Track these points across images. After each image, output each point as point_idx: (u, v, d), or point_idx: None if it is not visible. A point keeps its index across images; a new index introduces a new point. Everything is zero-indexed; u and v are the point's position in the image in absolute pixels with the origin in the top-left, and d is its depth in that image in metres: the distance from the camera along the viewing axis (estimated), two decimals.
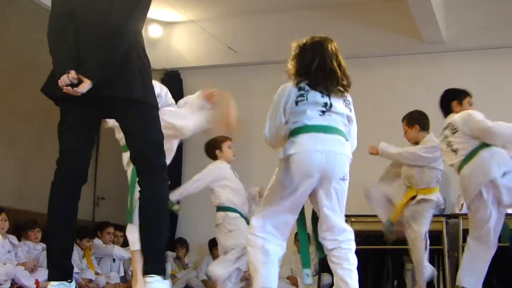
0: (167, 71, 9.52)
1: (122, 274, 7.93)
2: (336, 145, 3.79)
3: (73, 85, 3.25)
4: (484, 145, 5.31)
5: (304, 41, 3.98)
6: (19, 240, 7.01)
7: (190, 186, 6.16)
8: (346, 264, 3.76)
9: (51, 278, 3.31)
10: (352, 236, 3.86)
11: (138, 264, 4.94)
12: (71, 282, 3.32)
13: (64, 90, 3.25)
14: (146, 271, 3.23)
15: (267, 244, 3.92)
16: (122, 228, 8.05)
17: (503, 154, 5.31)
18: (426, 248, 6.08)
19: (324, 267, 7.99)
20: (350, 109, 3.96)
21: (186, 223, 9.12)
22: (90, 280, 7.30)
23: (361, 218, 7.42)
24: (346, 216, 7.30)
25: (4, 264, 6.39)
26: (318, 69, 3.86)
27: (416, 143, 6.30)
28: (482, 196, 5.25)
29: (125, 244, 8.06)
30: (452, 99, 5.77)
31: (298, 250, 8.45)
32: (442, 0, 8.40)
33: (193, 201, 7.45)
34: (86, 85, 3.25)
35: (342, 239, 3.81)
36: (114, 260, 7.95)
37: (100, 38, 3.26)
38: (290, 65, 3.98)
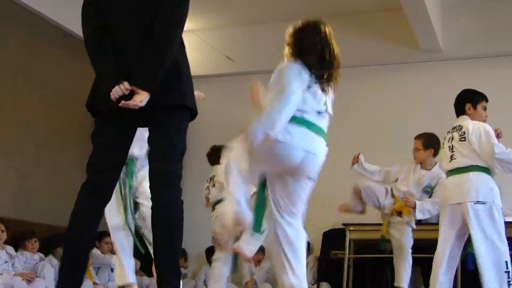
0: None
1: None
2: (318, 148, 3.89)
3: (124, 97, 3.19)
4: (479, 167, 5.29)
5: (301, 24, 4.06)
6: (16, 250, 6.98)
7: None
8: None
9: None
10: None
11: None
12: None
13: (120, 104, 3.17)
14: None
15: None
16: None
17: (489, 184, 5.28)
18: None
19: (322, 275, 8.04)
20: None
21: (184, 232, 9.06)
22: None
23: (359, 227, 7.39)
24: (344, 225, 7.38)
25: (1, 274, 6.37)
26: (316, 53, 3.92)
27: (421, 163, 6.43)
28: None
29: None
30: (467, 100, 5.71)
31: None
32: (439, 9, 8.43)
33: (190, 209, 7.39)
34: (144, 97, 3.19)
35: None
36: (112, 269, 7.89)
37: (148, 49, 3.23)
38: (288, 45, 4.06)
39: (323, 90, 3.90)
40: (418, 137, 6.41)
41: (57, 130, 8.14)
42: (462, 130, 5.44)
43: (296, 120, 3.84)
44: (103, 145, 3.38)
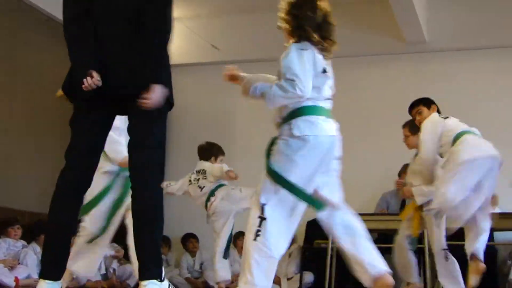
0: None
1: (103, 272, 7.86)
2: (335, 130, 3.81)
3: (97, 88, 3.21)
4: None
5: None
6: None
7: None
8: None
9: (45, 276, 3.22)
10: None
11: None
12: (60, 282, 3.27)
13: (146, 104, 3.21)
14: (142, 277, 3.13)
15: None
16: None
17: None
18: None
19: (306, 265, 8.12)
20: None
21: (166, 220, 9.06)
22: (72, 278, 7.21)
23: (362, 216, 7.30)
24: None
25: None
26: (312, 23, 3.79)
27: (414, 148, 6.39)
28: None
29: None
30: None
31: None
32: (424, 1, 8.46)
33: (172, 198, 7.41)
34: (159, 90, 3.24)
35: None
36: None
37: (145, 47, 3.26)
38: (284, 21, 3.88)
39: (326, 69, 3.83)
40: (404, 125, 6.43)
41: (40, 116, 8.07)
42: None
43: (314, 110, 3.75)
44: (83, 131, 3.39)
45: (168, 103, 3.39)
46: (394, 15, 7.84)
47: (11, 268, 6.61)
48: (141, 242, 3.19)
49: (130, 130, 3.36)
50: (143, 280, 3.11)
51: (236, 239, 8.41)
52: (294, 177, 3.62)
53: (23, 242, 7.11)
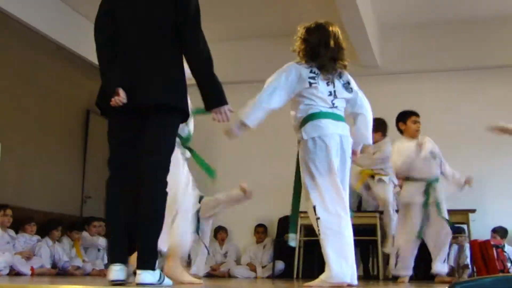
0: None
1: (106, 261, 7.90)
2: (345, 130, 3.90)
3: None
4: None
5: (309, 24, 4.00)
6: (17, 233, 7.00)
7: None
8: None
9: (111, 261, 3.21)
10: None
11: None
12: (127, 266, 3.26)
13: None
14: (139, 266, 3.13)
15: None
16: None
17: None
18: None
19: (277, 255, 8.15)
20: (351, 89, 4.00)
21: None
22: (78, 267, 7.31)
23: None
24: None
25: (3, 253, 6.40)
26: (324, 49, 3.86)
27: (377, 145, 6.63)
28: None
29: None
30: (397, 119, 6.08)
31: (257, 240, 8.60)
32: (377, 30, 8.52)
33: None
34: (225, 110, 3.31)
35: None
36: (99, 249, 7.95)
37: (196, 73, 3.28)
38: (298, 46, 3.98)
39: (329, 81, 3.88)
40: None
41: (52, 130, 8.16)
42: None
43: (318, 115, 3.83)
44: (118, 144, 3.33)
45: (184, 114, 3.35)
46: (351, 42, 7.83)
47: (28, 259, 6.63)
48: (143, 236, 3.17)
49: (144, 136, 3.28)
50: (139, 269, 3.11)
51: (217, 233, 8.55)
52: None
53: (37, 237, 7.13)
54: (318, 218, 3.71)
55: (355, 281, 3.71)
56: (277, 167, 7.28)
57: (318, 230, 3.72)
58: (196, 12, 3.32)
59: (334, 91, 3.90)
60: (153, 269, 3.14)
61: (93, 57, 7.86)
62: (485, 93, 8.40)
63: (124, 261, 3.21)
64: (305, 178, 3.85)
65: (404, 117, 6.02)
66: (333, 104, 3.88)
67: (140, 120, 3.28)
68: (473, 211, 6.79)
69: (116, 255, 3.21)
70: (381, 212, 7.32)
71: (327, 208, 3.73)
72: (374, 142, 6.47)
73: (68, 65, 8.45)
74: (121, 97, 3.16)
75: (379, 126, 6.55)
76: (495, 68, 8.42)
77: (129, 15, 3.34)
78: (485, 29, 8.47)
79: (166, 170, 3.26)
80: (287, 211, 8.01)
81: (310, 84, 3.84)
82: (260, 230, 8.62)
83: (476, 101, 8.40)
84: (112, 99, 3.17)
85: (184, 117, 3.38)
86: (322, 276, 3.69)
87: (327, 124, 3.81)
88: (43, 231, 7.32)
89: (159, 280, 3.18)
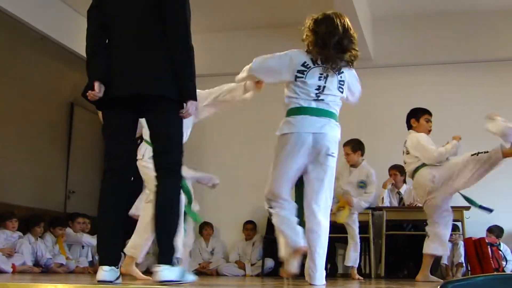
0: None
1: (90, 259, 7.83)
2: (324, 128, 3.86)
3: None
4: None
5: (317, 15, 3.99)
6: None
7: None
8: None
9: (103, 263, 3.20)
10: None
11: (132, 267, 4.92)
12: (118, 268, 3.26)
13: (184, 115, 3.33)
14: (159, 261, 3.15)
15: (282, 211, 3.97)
16: (90, 218, 7.96)
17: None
18: None
19: (267, 252, 8.08)
20: (342, 90, 3.97)
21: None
22: (61, 264, 7.21)
23: None
24: None
25: None
26: (331, 39, 3.83)
27: (353, 165, 6.67)
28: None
29: (92, 232, 7.96)
30: (410, 116, 5.93)
31: (246, 237, 8.48)
32: (370, 23, 8.50)
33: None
34: (193, 106, 3.30)
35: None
36: (83, 246, 7.85)
37: (176, 62, 3.25)
38: (307, 36, 3.97)
39: (321, 75, 3.87)
40: (346, 144, 6.57)
41: (35, 122, 8.02)
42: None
43: (295, 111, 3.87)
44: (112, 136, 3.36)
45: (177, 102, 3.32)
46: None
47: (9, 256, 6.53)
48: (162, 231, 3.21)
49: (150, 135, 3.40)
50: (159, 264, 3.13)
51: (202, 229, 8.45)
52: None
53: (19, 233, 7.02)
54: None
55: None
56: (267, 163, 7.14)
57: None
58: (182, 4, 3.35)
59: (324, 87, 3.89)
60: (172, 264, 3.14)
61: (78, 48, 7.85)
62: (479, 86, 8.42)
63: (115, 263, 3.23)
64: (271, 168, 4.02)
65: (418, 114, 5.92)
66: (318, 97, 3.87)
67: (135, 113, 3.33)
68: (468, 208, 6.67)
69: (108, 257, 3.22)
70: (374, 209, 7.25)
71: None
72: (353, 165, 6.53)
73: (52, 56, 8.25)
74: (95, 91, 3.21)
75: (357, 146, 6.66)
76: (489, 62, 8.42)
77: (115, 7, 3.38)
78: (479, 23, 8.46)
79: (180, 164, 3.31)
80: None
81: (296, 77, 3.88)
82: (249, 227, 8.48)
83: (469, 95, 8.38)
84: (88, 93, 3.23)
85: (179, 105, 3.34)
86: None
87: (301, 121, 3.84)
88: (25, 227, 7.21)
89: (179, 276, 3.15)
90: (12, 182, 7.56)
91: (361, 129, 7.28)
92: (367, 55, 8.44)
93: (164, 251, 3.18)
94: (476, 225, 7.27)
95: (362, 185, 6.63)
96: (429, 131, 5.91)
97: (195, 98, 3.30)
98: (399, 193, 7.68)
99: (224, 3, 8.32)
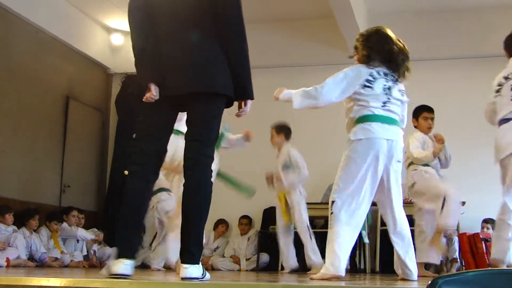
0: (127, 75, 9.39)
1: (85, 253, 7.83)
2: (395, 135, 4.00)
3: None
4: None
5: (366, 32, 4.26)
6: None
7: None
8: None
9: (123, 255, 3.12)
10: None
11: None
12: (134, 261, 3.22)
13: (236, 114, 3.35)
14: (185, 260, 3.09)
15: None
16: (85, 212, 7.95)
17: None
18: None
19: (262, 247, 8.10)
20: (403, 95, 4.16)
21: None
22: (56, 259, 7.20)
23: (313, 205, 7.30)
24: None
25: None
26: (387, 53, 4.09)
27: (279, 148, 6.65)
28: None
29: (86, 226, 7.97)
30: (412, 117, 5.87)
31: (241, 232, 8.50)
32: (366, 18, 8.47)
33: None
34: (250, 105, 3.33)
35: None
36: (78, 240, 7.84)
37: (231, 62, 3.22)
38: (360, 53, 4.14)
39: (386, 85, 4.03)
40: (272, 126, 6.73)
41: (31, 117, 8.00)
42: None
43: (368, 118, 3.95)
44: (149, 132, 3.29)
45: (228, 101, 3.29)
46: (340, 30, 7.91)
47: (3, 249, 6.52)
48: (188, 230, 3.12)
49: (188, 123, 3.26)
50: (185, 263, 3.08)
51: (218, 225, 8.51)
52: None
53: (13, 227, 7.00)
54: (331, 213, 3.86)
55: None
56: (263, 158, 7.15)
57: (330, 223, 3.89)
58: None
59: (389, 97, 4.04)
60: (198, 263, 3.11)
61: (73, 42, 7.84)
62: (475, 82, 8.34)
63: (134, 257, 3.19)
64: (340, 171, 3.96)
65: (416, 113, 5.91)
66: (385, 105, 4.01)
67: (178, 108, 3.31)
68: (463, 203, 6.70)
69: (129, 250, 3.16)
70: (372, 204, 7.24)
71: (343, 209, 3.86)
72: (279, 148, 6.60)
73: (47, 50, 8.23)
74: (152, 94, 3.16)
75: (281, 129, 6.70)
76: (485, 58, 8.36)
77: (163, 4, 3.30)
78: (476, 18, 8.46)
79: (211, 158, 3.23)
80: (272, 202, 8.05)
81: (364, 86, 3.99)
82: (244, 221, 8.50)
83: (465, 91, 8.37)
84: (145, 96, 3.18)
85: (229, 101, 3.31)
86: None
87: (376, 128, 3.94)
88: (20, 221, 7.19)
89: (202, 274, 3.15)
90: (6, 175, 7.55)
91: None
92: None
93: (194, 249, 3.12)
94: (470, 221, 7.31)
95: (287, 167, 6.60)
96: (429, 128, 5.87)
97: (253, 97, 3.31)
98: None
99: None
